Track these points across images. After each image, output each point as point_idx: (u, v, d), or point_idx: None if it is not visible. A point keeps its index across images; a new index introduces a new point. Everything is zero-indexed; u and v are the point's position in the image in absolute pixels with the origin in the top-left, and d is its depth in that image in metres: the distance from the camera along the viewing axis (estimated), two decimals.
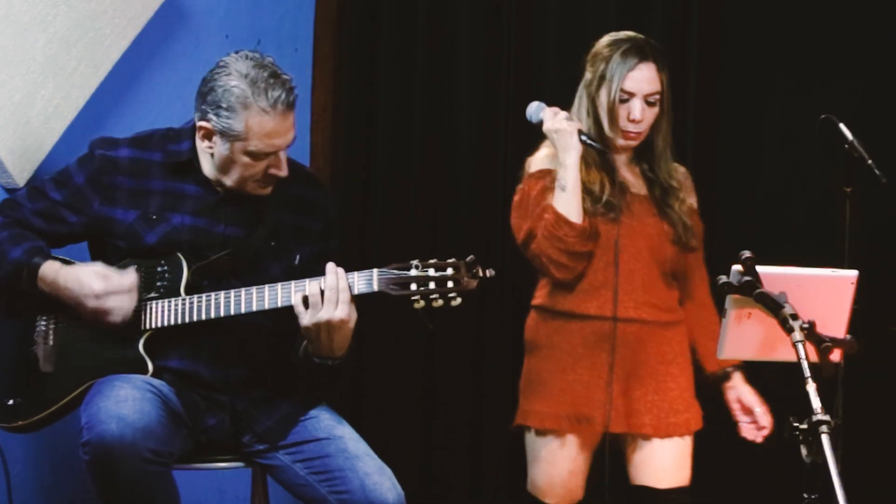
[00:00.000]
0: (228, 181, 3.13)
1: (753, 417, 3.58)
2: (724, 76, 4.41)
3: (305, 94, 4.59)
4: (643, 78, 3.47)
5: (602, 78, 3.48)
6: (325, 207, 3.29)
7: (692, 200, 3.62)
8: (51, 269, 3.08)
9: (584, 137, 3.41)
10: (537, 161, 3.57)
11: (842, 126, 3.72)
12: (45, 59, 3.47)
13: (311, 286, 3.00)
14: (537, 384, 3.55)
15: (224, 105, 3.04)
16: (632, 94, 3.46)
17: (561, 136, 3.42)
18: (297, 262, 3.20)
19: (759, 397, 3.59)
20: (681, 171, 3.64)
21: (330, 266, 3.02)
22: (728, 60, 4.41)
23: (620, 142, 3.51)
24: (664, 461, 3.52)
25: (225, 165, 3.11)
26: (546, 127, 3.46)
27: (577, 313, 3.50)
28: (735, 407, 3.60)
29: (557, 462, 3.52)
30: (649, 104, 3.48)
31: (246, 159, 3.07)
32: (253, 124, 3.03)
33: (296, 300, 3.01)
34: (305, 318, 3.00)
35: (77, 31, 3.56)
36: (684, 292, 3.63)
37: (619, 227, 3.47)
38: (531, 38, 4.50)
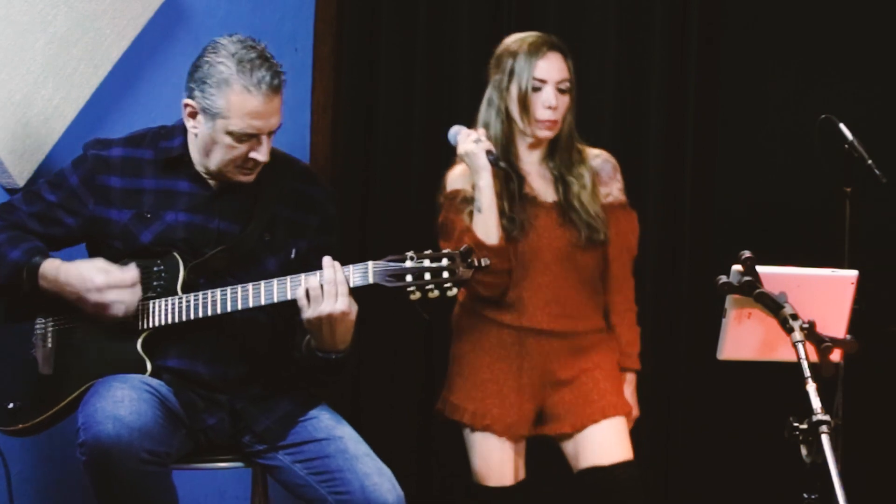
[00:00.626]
0: (211, 164, 3.13)
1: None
2: (724, 76, 4.41)
3: (305, 94, 4.59)
4: (553, 66, 3.51)
5: (511, 73, 3.52)
6: (324, 203, 3.29)
7: (610, 189, 3.60)
8: (51, 267, 3.09)
9: (491, 157, 3.42)
10: (451, 179, 3.60)
11: (842, 126, 3.72)
12: (45, 59, 3.47)
13: (310, 280, 3.00)
14: (455, 375, 3.61)
15: (209, 81, 3.04)
16: (544, 82, 3.49)
17: (471, 158, 3.44)
18: (293, 256, 3.20)
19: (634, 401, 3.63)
20: (598, 157, 3.63)
21: (326, 260, 3.02)
22: (728, 60, 4.40)
23: (538, 133, 3.52)
24: (598, 441, 3.51)
25: (207, 146, 3.11)
26: (458, 151, 3.48)
27: (495, 319, 3.55)
28: None
29: (487, 446, 3.55)
30: (561, 91, 3.51)
31: (227, 140, 3.06)
32: (235, 102, 3.03)
33: (299, 293, 3.01)
34: (307, 312, 3.00)
35: (77, 31, 3.56)
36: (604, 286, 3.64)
37: (525, 243, 3.49)
38: None
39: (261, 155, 3.08)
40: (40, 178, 3.37)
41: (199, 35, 4.03)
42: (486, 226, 3.43)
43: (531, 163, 3.59)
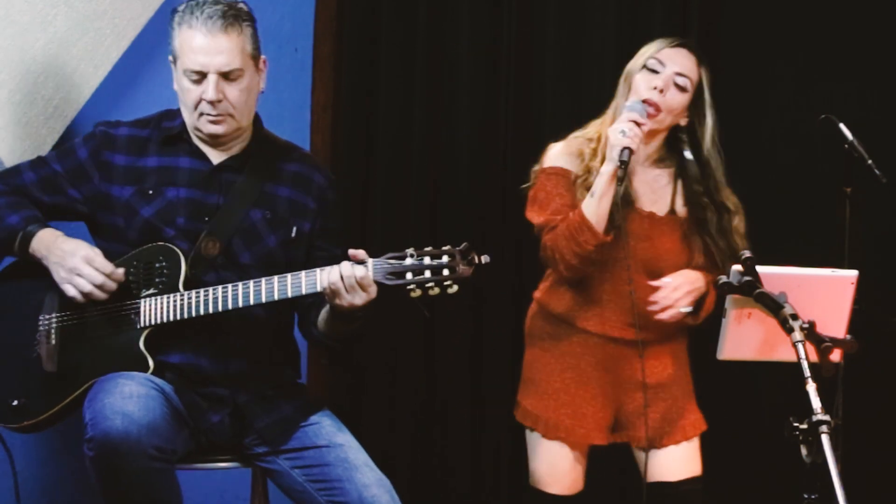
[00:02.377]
0: (187, 118, 3.19)
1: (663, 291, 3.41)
2: (724, 76, 4.40)
3: (305, 94, 4.59)
4: (678, 56, 3.45)
5: (639, 57, 3.48)
6: (324, 188, 3.31)
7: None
8: (51, 234, 3.13)
9: (623, 157, 3.29)
10: (550, 157, 3.53)
11: (842, 126, 3.72)
12: (45, 59, 3.48)
13: (331, 275, 3.01)
14: (529, 380, 3.57)
15: (170, 28, 3.15)
16: (662, 64, 3.43)
17: (609, 146, 3.35)
18: (293, 234, 3.22)
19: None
20: (733, 199, 3.58)
21: (346, 265, 3.02)
22: (728, 60, 4.40)
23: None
24: (671, 460, 3.51)
25: (181, 98, 3.18)
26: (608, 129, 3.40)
27: (567, 321, 3.51)
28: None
29: (553, 453, 3.53)
30: (677, 86, 3.44)
31: (185, 83, 3.14)
32: (183, 39, 3.12)
33: (324, 284, 3.01)
34: (333, 301, 3.02)
35: (77, 31, 3.56)
36: None
37: (614, 247, 3.40)
38: (531, 37, 4.50)
39: (207, 94, 3.10)
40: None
41: None
42: (595, 212, 3.33)
43: (638, 162, 3.49)
